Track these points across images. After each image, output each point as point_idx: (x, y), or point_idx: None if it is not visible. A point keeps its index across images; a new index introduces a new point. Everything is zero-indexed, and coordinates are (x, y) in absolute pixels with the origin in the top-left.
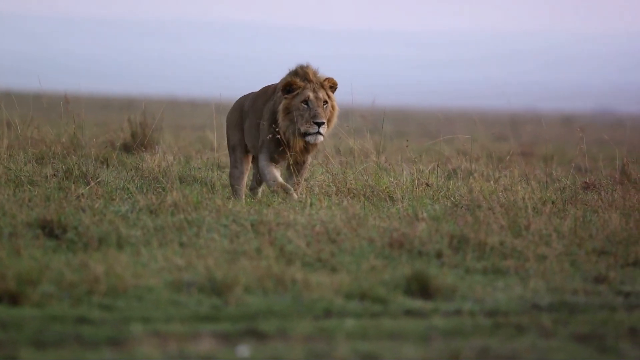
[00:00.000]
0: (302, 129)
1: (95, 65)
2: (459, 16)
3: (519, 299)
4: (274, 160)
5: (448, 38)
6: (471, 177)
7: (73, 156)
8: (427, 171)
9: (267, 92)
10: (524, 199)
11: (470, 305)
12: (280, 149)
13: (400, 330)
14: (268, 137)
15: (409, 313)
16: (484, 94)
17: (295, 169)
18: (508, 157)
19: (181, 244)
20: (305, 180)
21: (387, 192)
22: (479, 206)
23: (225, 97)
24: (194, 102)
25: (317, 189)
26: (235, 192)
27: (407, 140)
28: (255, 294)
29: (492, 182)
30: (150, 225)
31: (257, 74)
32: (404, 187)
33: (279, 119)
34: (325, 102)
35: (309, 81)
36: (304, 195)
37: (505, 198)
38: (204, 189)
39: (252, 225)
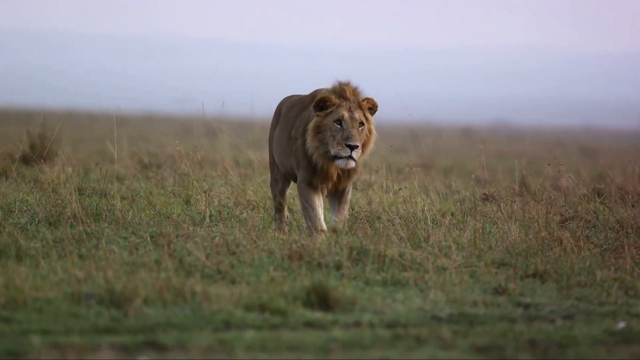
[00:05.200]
0: (333, 152)
1: None
2: (362, 32)
3: (418, 311)
4: (313, 186)
5: (353, 52)
6: (370, 189)
7: None
8: None
9: (305, 101)
10: (423, 210)
11: (369, 317)
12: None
13: (300, 342)
14: (304, 156)
15: (309, 325)
16: (384, 107)
17: (334, 198)
18: (407, 169)
19: (80, 256)
20: (206, 193)
21: (287, 205)
22: (379, 218)
23: (125, 109)
24: (92, 115)
25: (216, 201)
26: (275, 207)
27: None
28: (155, 306)
29: (391, 194)
30: (50, 237)
31: (156, 87)
32: None
33: (307, 138)
34: (362, 123)
35: (346, 99)
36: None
37: (404, 210)
38: (103, 201)
39: (152, 237)
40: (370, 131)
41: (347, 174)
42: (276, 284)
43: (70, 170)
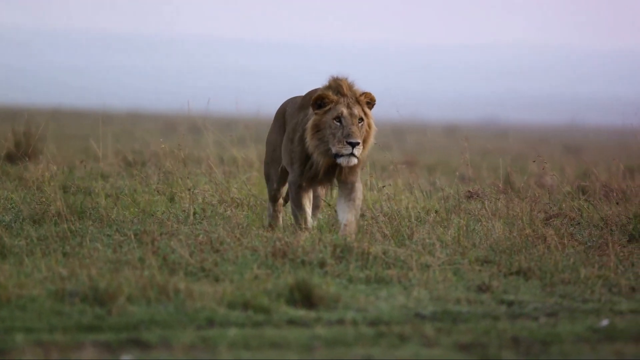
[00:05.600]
0: (334, 150)
1: None
2: (351, 29)
3: (402, 308)
4: (303, 187)
5: (340, 49)
6: None
7: None
8: None
9: (304, 102)
10: (407, 208)
11: (353, 315)
12: (319, 173)
13: (283, 339)
14: (299, 157)
15: (292, 322)
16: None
17: (341, 195)
18: (392, 166)
19: (64, 254)
20: (190, 190)
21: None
22: (363, 215)
23: (110, 106)
24: (77, 113)
25: (200, 199)
26: (270, 214)
27: None
28: (139, 304)
29: (375, 192)
30: (34, 234)
31: (141, 84)
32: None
33: (306, 137)
34: (361, 119)
35: (343, 95)
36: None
37: (388, 207)
38: (88, 199)
39: (135, 234)
40: (369, 126)
41: (349, 169)
42: (260, 281)
43: (54, 168)
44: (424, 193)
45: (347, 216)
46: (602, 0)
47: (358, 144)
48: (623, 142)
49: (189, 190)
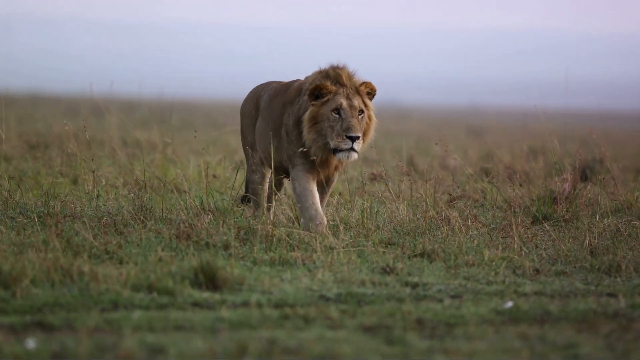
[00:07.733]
0: (332, 144)
1: None
2: (245, 11)
3: (306, 290)
4: (312, 173)
5: (235, 32)
6: None
7: None
8: (214, 163)
9: (289, 92)
10: None
11: (257, 297)
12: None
13: (188, 321)
14: (299, 151)
15: (197, 305)
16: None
17: (320, 190)
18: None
19: None
20: (94, 172)
21: (175, 184)
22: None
23: (11, 89)
24: None
25: (104, 181)
26: (254, 202)
27: (195, 132)
28: (43, 287)
29: None
30: None
31: (42, 66)
32: (191, 178)
33: (303, 130)
34: (361, 111)
35: (342, 85)
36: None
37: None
38: None
39: (39, 217)
40: (370, 118)
41: (339, 164)
42: (164, 264)
43: None
44: None
45: (323, 199)
46: None
47: (358, 137)
48: (525, 124)
49: (93, 172)
